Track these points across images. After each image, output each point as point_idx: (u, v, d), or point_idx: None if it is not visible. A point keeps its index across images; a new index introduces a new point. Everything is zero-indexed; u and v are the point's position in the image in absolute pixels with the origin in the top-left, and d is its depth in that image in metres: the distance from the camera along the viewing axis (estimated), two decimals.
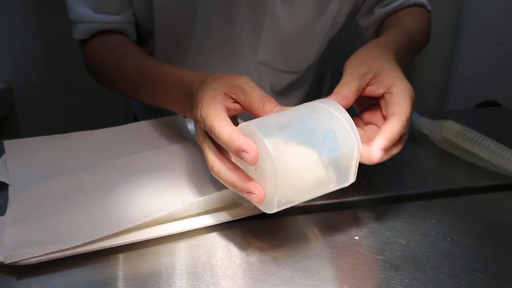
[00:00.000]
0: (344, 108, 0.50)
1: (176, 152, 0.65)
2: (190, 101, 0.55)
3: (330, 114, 0.49)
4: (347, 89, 0.53)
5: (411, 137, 0.78)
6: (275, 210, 0.47)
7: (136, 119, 1.00)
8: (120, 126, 0.71)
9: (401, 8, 0.83)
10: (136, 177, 0.59)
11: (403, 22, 0.77)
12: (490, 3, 1.23)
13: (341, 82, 0.54)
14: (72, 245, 0.47)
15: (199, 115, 0.50)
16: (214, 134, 0.47)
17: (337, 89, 0.53)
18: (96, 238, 0.48)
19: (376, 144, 0.49)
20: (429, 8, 0.86)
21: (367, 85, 0.55)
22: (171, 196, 0.55)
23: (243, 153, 0.44)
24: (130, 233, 0.50)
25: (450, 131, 0.70)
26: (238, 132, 0.46)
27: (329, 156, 0.47)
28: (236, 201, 0.55)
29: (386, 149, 0.50)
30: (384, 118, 0.54)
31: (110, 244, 0.48)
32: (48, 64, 1.26)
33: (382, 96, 0.55)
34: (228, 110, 0.50)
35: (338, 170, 0.49)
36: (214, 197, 0.53)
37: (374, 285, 0.46)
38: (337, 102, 0.50)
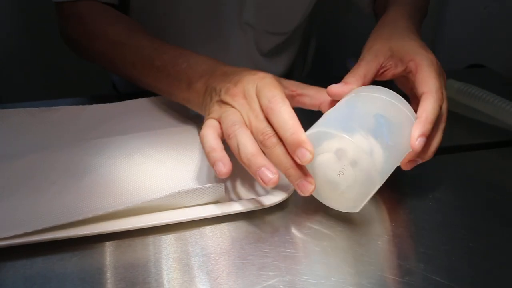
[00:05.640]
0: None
1: (171, 136, 0.58)
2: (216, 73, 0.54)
3: (388, 103, 0.48)
4: (352, 75, 0.51)
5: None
6: (358, 210, 0.46)
7: (114, 86, 0.97)
8: (114, 103, 0.65)
9: None
10: (115, 160, 0.54)
11: None
12: None
13: (351, 70, 0.53)
14: (22, 232, 0.43)
15: (251, 85, 0.49)
16: (275, 103, 0.45)
17: (345, 78, 0.52)
18: (49, 226, 0.43)
19: (414, 133, 0.46)
20: None
21: (386, 69, 0.53)
22: (146, 187, 0.50)
23: (303, 150, 0.42)
24: (90, 224, 0.45)
25: (450, 89, 0.68)
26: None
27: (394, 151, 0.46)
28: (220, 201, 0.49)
29: (426, 134, 0.47)
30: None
31: (60, 236, 0.44)
32: (26, 32, 1.22)
33: (407, 77, 0.53)
34: None
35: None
36: (197, 191, 0.47)
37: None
38: (342, 89, 0.50)
